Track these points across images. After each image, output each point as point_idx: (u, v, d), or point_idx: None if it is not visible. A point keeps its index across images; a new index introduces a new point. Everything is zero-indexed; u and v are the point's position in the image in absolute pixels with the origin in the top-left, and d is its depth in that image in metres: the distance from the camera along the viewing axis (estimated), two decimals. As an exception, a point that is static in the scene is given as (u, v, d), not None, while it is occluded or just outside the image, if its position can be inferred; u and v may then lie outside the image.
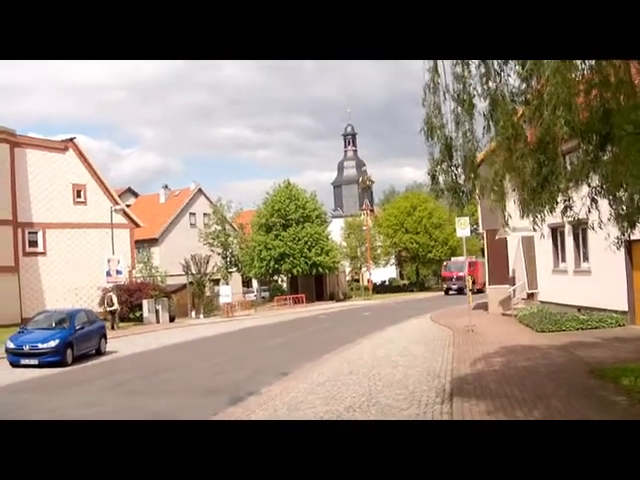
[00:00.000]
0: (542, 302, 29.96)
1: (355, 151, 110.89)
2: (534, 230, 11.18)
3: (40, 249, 44.98)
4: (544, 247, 28.32)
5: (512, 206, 10.42)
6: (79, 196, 46.98)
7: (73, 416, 13.65)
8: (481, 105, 9.56)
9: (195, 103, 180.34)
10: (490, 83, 9.20)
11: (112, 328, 37.31)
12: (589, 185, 10.23)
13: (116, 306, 40.15)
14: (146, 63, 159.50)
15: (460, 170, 10.18)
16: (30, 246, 44.55)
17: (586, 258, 25.67)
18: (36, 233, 44.86)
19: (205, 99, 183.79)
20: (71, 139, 47.63)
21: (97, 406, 15.06)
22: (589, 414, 10.50)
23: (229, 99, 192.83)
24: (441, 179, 10.28)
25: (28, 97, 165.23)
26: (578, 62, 8.52)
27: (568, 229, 25.62)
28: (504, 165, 9.66)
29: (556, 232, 27.53)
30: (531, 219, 10.27)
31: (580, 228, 24.30)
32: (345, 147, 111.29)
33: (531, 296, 32.02)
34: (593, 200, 10.41)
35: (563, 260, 27.94)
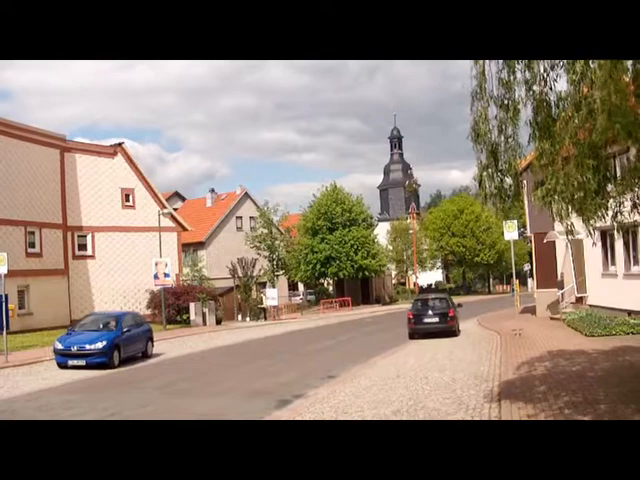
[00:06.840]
0: (591, 306, 29.56)
1: (401, 154, 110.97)
2: (590, 236, 10.96)
3: (89, 252, 45.60)
4: (593, 250, 27.93)
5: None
6: (127, 200, 47.51)
7: (125, 416, 13.89)
8: (527, 113, 9.47)
9: (241, 106, 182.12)
10: (535, 87, 9.08)
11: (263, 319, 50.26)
12: (632, 190, 10.08)
13: (265, 304, 50.74)
14: (192, 67, 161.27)
15: (504, 176, 10.09)
16: (79, 249, 45.22)
17: (637, 261, 25.24)
18: (85, 237, 45.52)
19: (251, 102, 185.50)
20: (119, 144, 48.22)
21: (148, 406, 15.30)
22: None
23: (275, 102, 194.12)
24: (487, 185, 10.21)
25: (76, 102, 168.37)
26: (628, 63, 8.36)
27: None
28: (549, 173, 9.53)
29: (605, 235, 27.14)
30: (581, 226, 10.16)
31: (630, 231, 23.90)
32: (391, 150, 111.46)
33: (580, 300, 31.59)
34: (635, 205, 10.26)
35: (613, 263, 27.51)
